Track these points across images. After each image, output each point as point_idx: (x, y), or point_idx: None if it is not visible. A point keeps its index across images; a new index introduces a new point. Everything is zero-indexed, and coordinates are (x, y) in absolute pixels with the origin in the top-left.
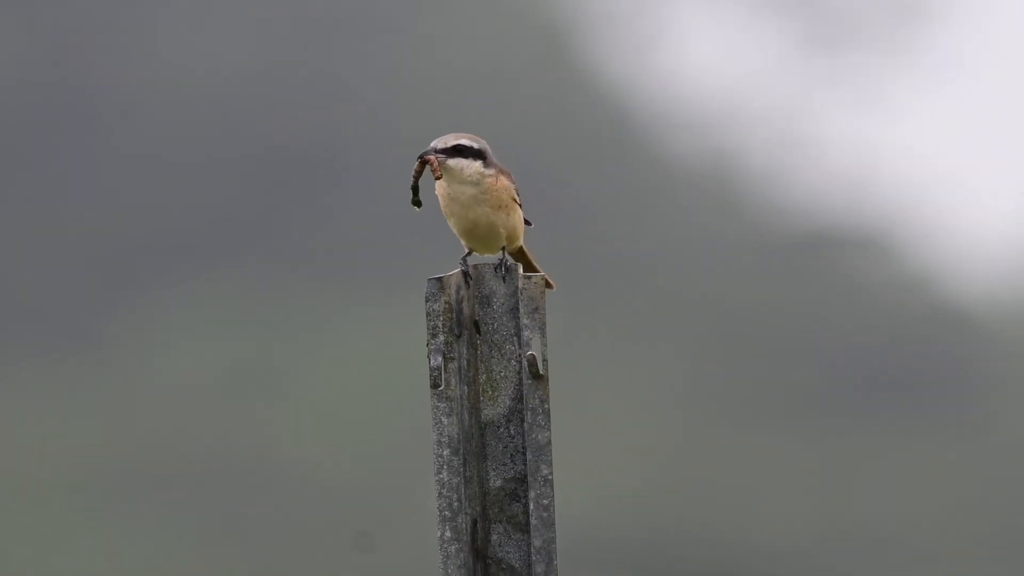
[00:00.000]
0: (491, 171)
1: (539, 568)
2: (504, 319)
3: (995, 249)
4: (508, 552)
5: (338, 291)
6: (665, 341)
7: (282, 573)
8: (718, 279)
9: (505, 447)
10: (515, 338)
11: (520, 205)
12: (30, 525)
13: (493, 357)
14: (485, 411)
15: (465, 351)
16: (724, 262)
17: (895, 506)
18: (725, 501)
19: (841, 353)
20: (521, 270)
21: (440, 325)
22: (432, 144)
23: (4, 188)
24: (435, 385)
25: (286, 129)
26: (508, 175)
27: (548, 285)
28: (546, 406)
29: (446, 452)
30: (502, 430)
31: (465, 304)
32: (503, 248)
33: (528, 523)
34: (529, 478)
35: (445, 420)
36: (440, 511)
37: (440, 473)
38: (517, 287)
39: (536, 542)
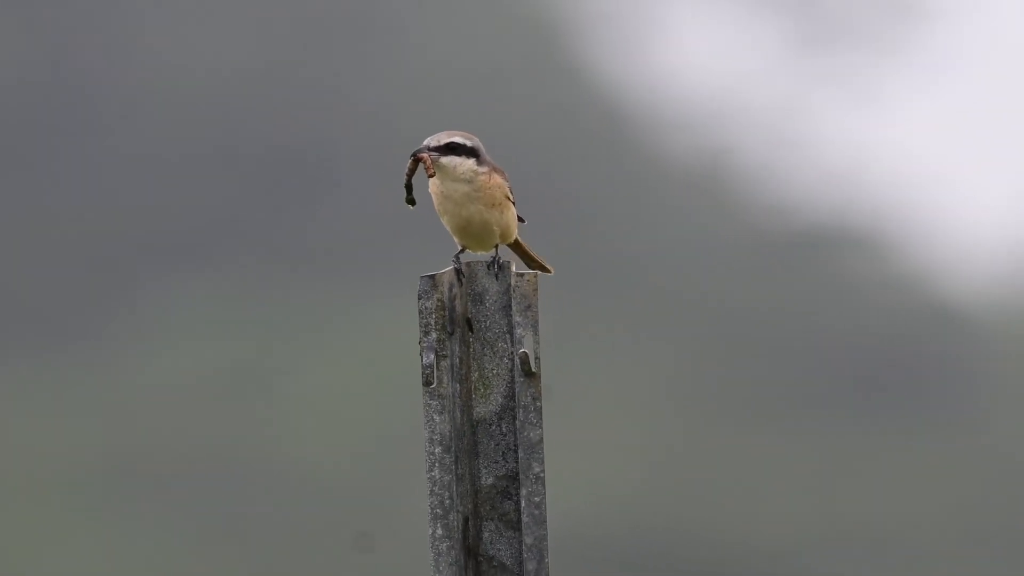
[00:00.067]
0: (484, 169)
1: (530, 566)
2: (496, 317)
3: (990, 248)
4: (500, 550)
5: (338, 290)
6: (660, 340)
7: (282, 573)
8: (713, 278)
9: (497, 445)
10: (507, 336)
11: (513, 203)
12: (29, 525)
13: (485, 355)
14: (477, 409)
15: (457, 349)
16: (719, 261)
17: (890, 505)
18: (718, 499)
19: (835, 352)
20: (514, 268)
21: (432, 323)
22: (425, 142)
23: (3, 188)
24: (427, 383)
25: (285, 129)
26: (501, 173)
27: (545, 270)
28: (538, 404)
29: (438, 450)
30: (494, 428)
31: (458, 302)
32: (496, 246)
33: (520, 521)
34: (521, 476)
35: (437, 418)
36: (432, 509)
37: (432, 471)
38: (510, 285)
39: (528, 540)
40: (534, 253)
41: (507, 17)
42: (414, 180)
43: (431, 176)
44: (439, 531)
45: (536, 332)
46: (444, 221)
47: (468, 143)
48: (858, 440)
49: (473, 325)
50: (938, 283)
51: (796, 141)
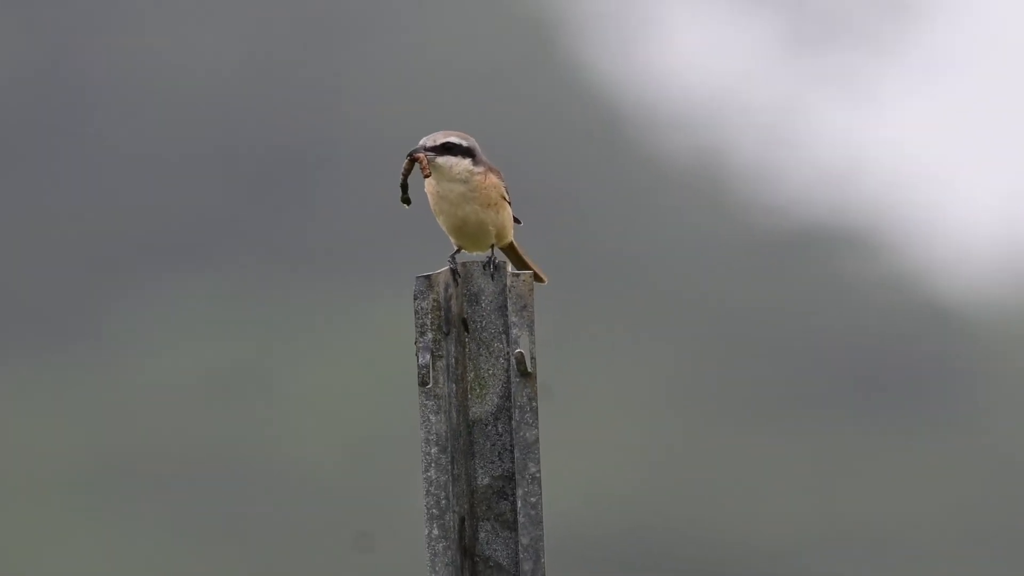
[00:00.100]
0: (480, 169)
1: (527, 566)
2: (492, 317)
3: (987, 247)
4: (496, 550)
5: (338, 290)
6: (658, 339)
7: (282, 573)
8: (710, 277)
9: (493, 445)
10: (503, 336)
11: (509, 203)
12: (29, 525)
13: (481, 355)
14: (473, 409)
15: (453, 349)
16: (716, 260)
17: (888, 505)
18: (717, 499)
19: (832, 352)
20: (510, 268)
21: (428, 323)
22: (421, 142)
23: (3, 188)
24: (423, 383)
25: (285, 129)
26: (497, 173)
27: (539, 279)
28: (534, 404)
29: (434, 450)
30: (490, 428)
31: (453, 302)
32: (492, 246)
33: (516, 521)
34: (517, 476)
35: (433, 418)
36: (428, 509)
37: (428, 471)
38: (505, 285)
39: (524, 540)
40: (529, 260)
41: (504, 17)
42: (409, 180)
43: (427, 176)
44: (435, 531)
45: (532, 332)
46: (440, 221)
47: (464, 143)
48: (856, 439)
49: (469, 325)
50: (935, 282)
51: (792, 141)
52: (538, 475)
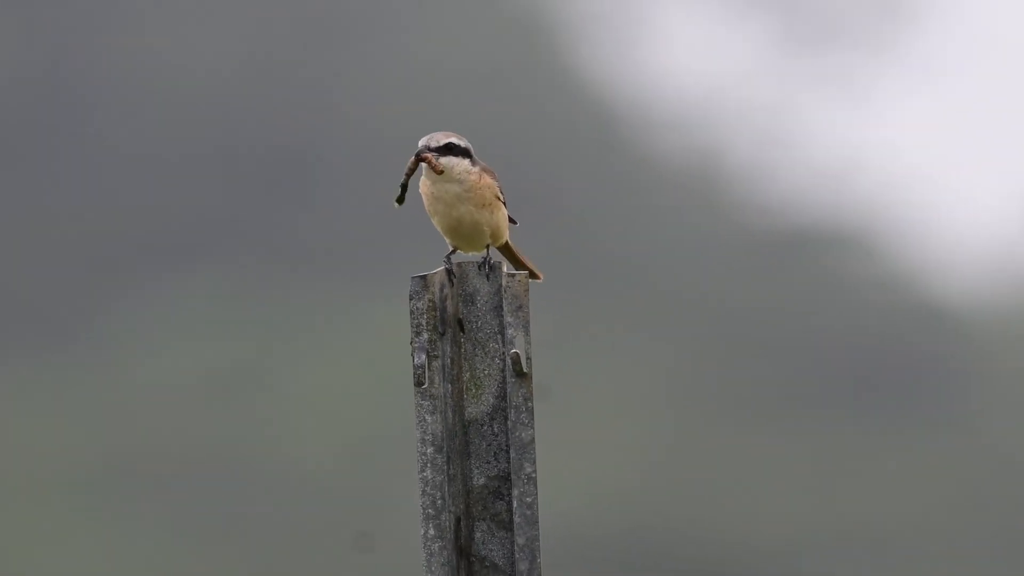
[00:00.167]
0: (475, 169)
1: (522, 566)
2: (488, 317)
3: (982, 247)
4: (492, 550)
5: (338, 290)
6: (655, 339)
7: (282, 573)
8: (706, 277)
9: (489, 445)
10: (499, 336)
11: (504, 203)
12: (29, 525)
13: (477, 355)
14: (469, 409)
15: (449, 349)
16: (712, 261)
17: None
18: (716, 499)
19: (829, 352)
20: (505, 268)
21: (424, 323)
22: (423, 143)
23: (3, 188)
24: (419, 383)
25: (285, 129)
26: (491, 173)
27: (535, 276)
28: (530, 404)
29: (430, 450)
30: (485, 428)
31: (449, 302)
32: (487, 246)
33: (512, 521)
34: (513, 476)
35: (429, 418)
36: (424, 509)
37: (424, 471)
38: (501, 285)
39: (520, 540)
40: (524, 259)
41: (501, 18)
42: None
43: (439, 173)
44: (431, 531)
45: (527, 332)
46: (435, 222)
47: (462, 144)
48: (854, 439)
49: (464, 325)
50: (931, 283)
51: (787, 141)
52: (534, 475)
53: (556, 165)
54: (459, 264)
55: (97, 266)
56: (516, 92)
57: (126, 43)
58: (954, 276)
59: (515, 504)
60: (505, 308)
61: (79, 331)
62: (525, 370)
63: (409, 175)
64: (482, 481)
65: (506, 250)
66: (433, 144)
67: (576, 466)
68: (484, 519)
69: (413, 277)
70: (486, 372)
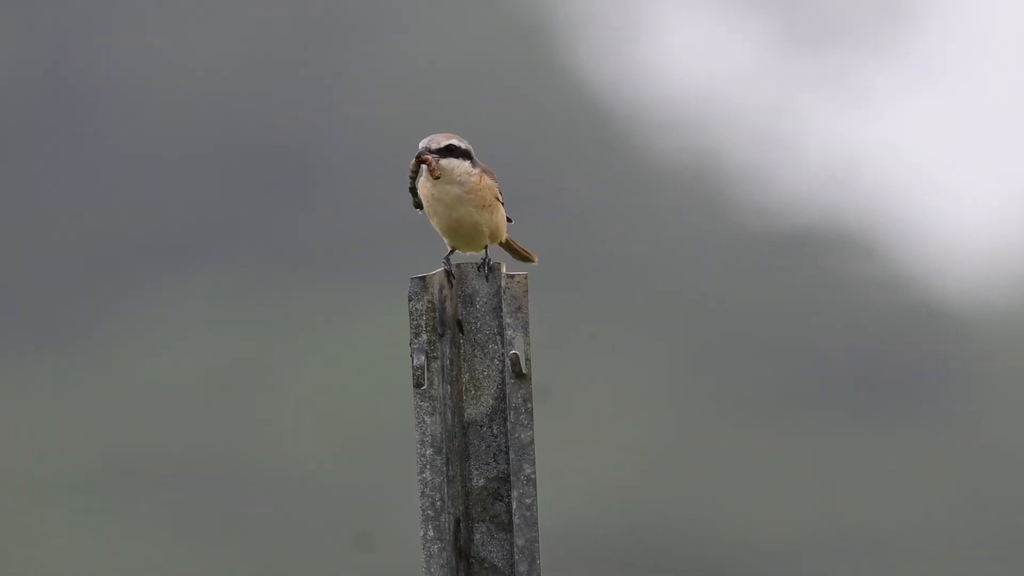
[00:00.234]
0: (476, 171)
1: (522, 567)
2: (487, 318)
3: (979, 248)
4: (491, 551)
5: (338, 290)
6: (654, 339)
7: (282, 573)
8: (704, 277)
9: (488, 446)
10: (498, 337)
11: (502, 204)
12: (29, 525)
13: (476, 356)
14: (468, 410)
15: (448, 350)
16: (709, 261)
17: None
18: (715, 499)
19: (828, 352)
20: (504, 269)
21: (423, 324)
22: (423, 144)
23: (3, 188)
24: (418, 384)
25: (285, 129)
26: (491, 174)
27: (529, 259)
28: (529, 405)
29: (429, 451)
30: (485, 429)
31: (448, 303)
32: (486, 247)
33: (511, 522)
34: (512, 477)
35: (428, 419)
36: (423, 510)
37: (423, 472)
38: (500, 286)
39: (519, 541)
40: (517, 245)
41: (500, 19)
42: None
43: (437, 178)
44: (430, 533)
45: (527, 334)
46: (434, 223)
47: (463, 145)
48: (854, 439)
49: (464, 326)
50: (930, 283)
51: (786, 141)
52: (533, 476)
53: (555, 165)
54: (458, 265)
55: (97, 266)
56: (515, 92)
57: (126, 43)
58: (954, 276)
59: (514, 505)
60: (504, 309)
61: (79, 331)
62: (524, 371)
63: (414, 178)
64: (481, 482)
65: (506, 246)
66: (433, 146)
67: (576, 466)
68: (483, 520)
69: (412, 278)
70: (485, 373)
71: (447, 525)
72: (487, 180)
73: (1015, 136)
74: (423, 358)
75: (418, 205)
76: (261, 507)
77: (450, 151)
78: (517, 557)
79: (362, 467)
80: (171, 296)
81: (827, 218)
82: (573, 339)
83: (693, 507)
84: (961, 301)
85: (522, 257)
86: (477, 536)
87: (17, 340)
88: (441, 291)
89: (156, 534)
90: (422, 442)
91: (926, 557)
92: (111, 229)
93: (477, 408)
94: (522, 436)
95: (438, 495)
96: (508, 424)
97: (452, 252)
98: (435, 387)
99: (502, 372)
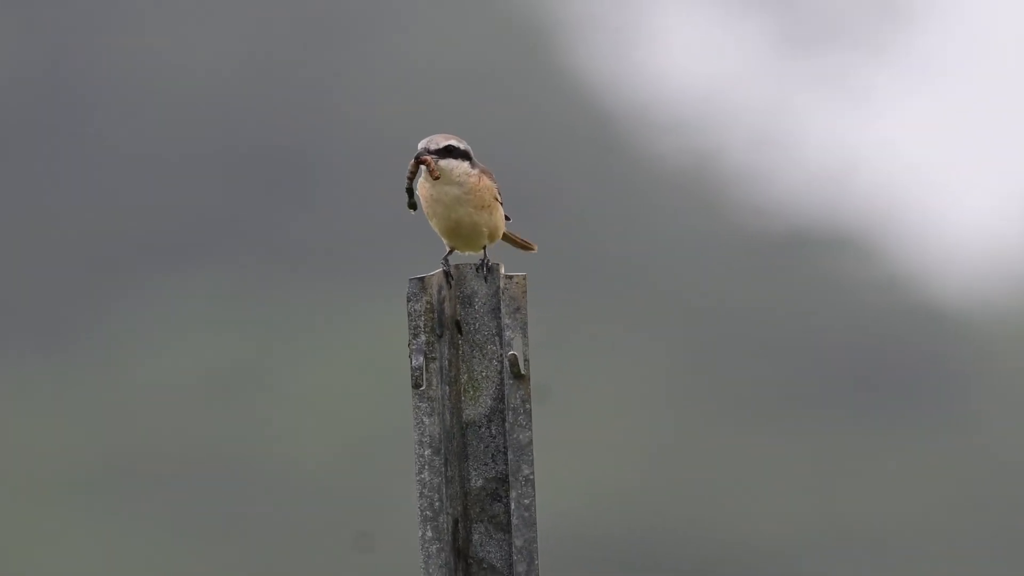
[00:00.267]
0: (475, 171)
1: (520, 568)
2: (486, 319)
3: (979, 247)
4: (489, 552)
5: (338, 290)
6: (654, 340)
7: (282, 573)
8: (703, 277)
9: (486, 447)
10: (496, 338)
11: (501, 204)
12: (29, 525)
13: (474, 357)
14: (466, 411)
15: (446, 351)
16: (709, 261)
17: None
18: (715, 499)
19: (827, 352)
20: (503, 270)
21: (421, 325)
22: (422, 145)
23: (3, 188)
24: (416, 385)
25: (285, 129)
26: (489, 175)
27: (528, 247)
28: (527, 406)
29: (427, 452)
30: (483, 430)
31: (447, 304)
32: (484, 247)
33: (509, 523)
34: (510, 478)
35: (426, 420)
36: (421, 511)
37: (421, 473)
38: (499, 287)
39: (517, 542)
40: (514, 236)
41: (499, 19)
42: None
43: (436, 179)
44: (429, 533)
45: (525, 334)
46: (433, 224)
47: (462, 146)
48: (854, 439)
49: (462, 327)
50: (930, 283)
51: (785, 142)
52: (532, 477)
53: (554, 166)
54: (457, 266)
55: (97, 266)
56: (514, 93)
57: (126, 43)
58: (954, 276)
59: (513, 506)
60: (503, 310)
61: (79, 331)
62: (523, 372)
63: (412, 179)
64: (480, 483)
65: (506, 240)
66: (432, 147)
67: (575, 466)
68: (482, 521)
69: (411, 279)
70: (484, 374)
71: (446, 526)
72: (486, 180)
73: (1015, 136)
74: (422, 359)
75: (412, 206)
76: (261, 507)
77: (449, 152)
78: (515, 557)
79: (362, 467)
80: (171, 296)
81: (826, 218)
82: (573, 339)
83: (693, 507)
84: (961, 301)
85: (521, 246)
86: (475, 536)
87: (17, 340)
88: (440, 292)
89: (156, 534)
90: (420, 443)
91: (926, 557)
92: (111, 229)
93: (475, 409)
94: (520, 437)
95: (436, 495)
96: (506, 425)
97: (451, 253)
98: (434, 388)
99: (500, 373)
